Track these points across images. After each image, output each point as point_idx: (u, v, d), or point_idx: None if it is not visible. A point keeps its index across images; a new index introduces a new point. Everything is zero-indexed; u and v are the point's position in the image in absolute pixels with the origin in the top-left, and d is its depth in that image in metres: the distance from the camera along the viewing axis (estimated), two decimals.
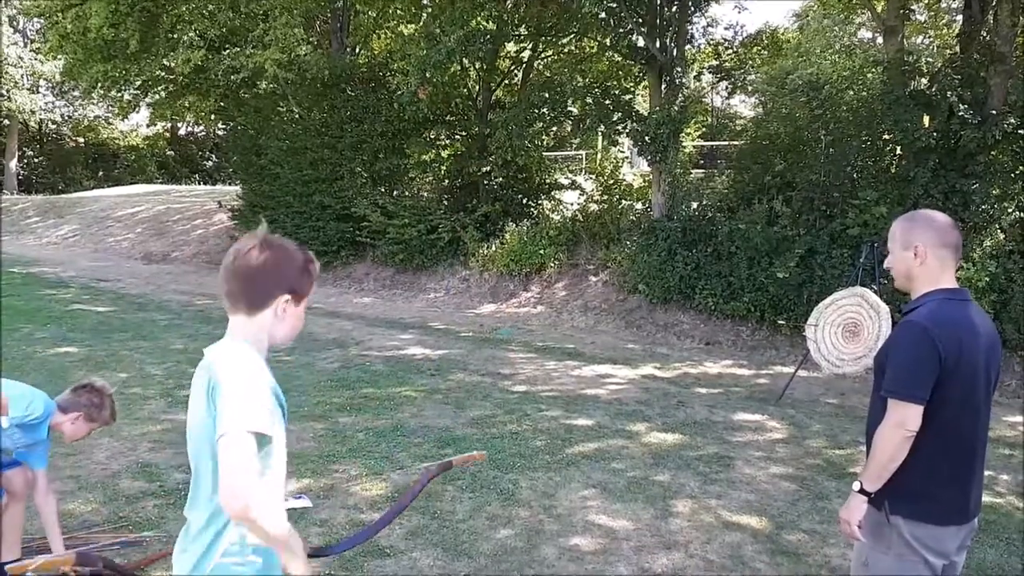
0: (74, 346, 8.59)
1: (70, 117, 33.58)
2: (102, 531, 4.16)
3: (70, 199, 24.61)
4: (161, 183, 30.13)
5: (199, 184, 29.58)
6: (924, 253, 2.41)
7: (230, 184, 24.93)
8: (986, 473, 4.80)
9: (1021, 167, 8.78)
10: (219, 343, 1.91)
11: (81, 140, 34.10)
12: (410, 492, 2.92)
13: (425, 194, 14.85)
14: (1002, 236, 8.25)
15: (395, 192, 14.71)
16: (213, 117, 23.47)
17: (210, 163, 34.35)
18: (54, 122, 33.34)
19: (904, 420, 2.29)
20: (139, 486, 4.80)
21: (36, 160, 33.51)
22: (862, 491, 2.37)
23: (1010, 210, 8.64)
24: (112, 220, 20.90)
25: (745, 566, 3.95)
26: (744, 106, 23.65)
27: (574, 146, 18.04)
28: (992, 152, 8.76)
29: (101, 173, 33.02)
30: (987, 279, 7.82)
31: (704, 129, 20.63)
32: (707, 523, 4.45)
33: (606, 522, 4.44)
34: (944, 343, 2.29)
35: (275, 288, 1.88)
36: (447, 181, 14.75)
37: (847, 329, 6.50)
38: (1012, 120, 8.47)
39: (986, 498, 4.76)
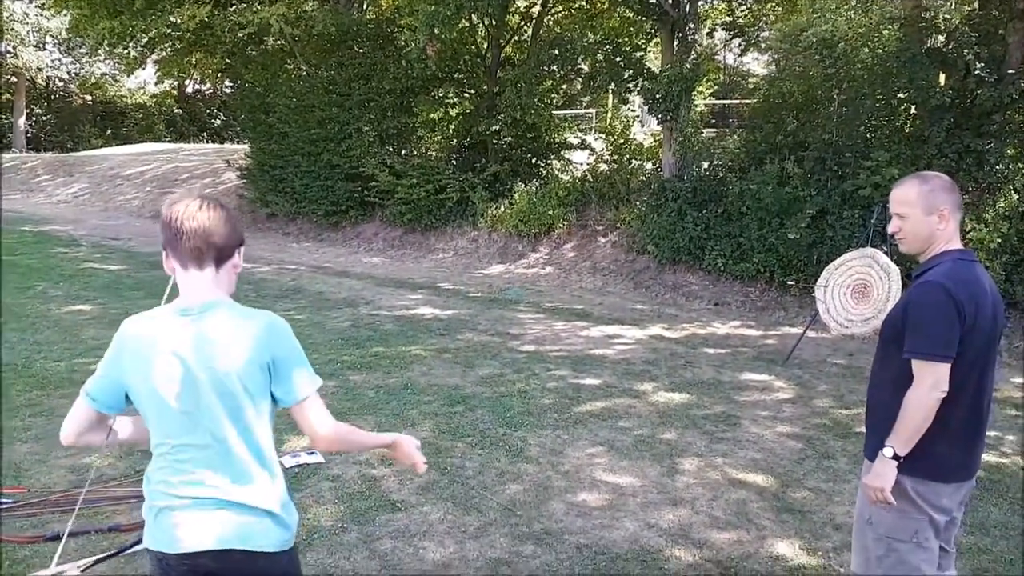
0: (87, 304, 8.68)
1: (77, 74, 33.39)
2: (119, 484, 4.26)
3: (79, 157, 24.59)
4: (169, 141, 30.03)
5: (207, 142, 29.48)
6: (948, 215, 2.42)
7: (238, 142, 24.84)
8: (992, 433, 4.87)
9: None
10: (211, 308, 1.92)
11: (88, 98, 33.94)
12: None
13: (433, 153, 14.76)
14: (1016, 197, 8.16)
15: (403, 151, 14.64)
16: (220, 75, 23.30)
17: (218, 121, 34.16)
18: (61, 79, 33.17)
19: (938, 381, 2.30)
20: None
21: (44, 118, 33.42)
22: (895, 456, 2.36)
23: None
24: (121, 178, 20.91)
25: (750, 523, 4.01)
26: (757, 64, 23.28)
27: (584, 104, 17.84)
28: (1008, 111, 8.62)
29: (109, 131, 32.90)
30: (999, 240, 7.76)
31: (716, 88, 20.36)
32: (713, 480, 4.51)
33: (613, 479, 4.50)
34: (964, 302, 2.31)
35: (235, 239, 2.00)
36: (455, 140, 14.65)
37: (856, 290, 6.49)
38: None
39: (991, 458, 4.82)
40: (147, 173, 20.84)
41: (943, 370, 2.30)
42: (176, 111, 34.32)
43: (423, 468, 2.21)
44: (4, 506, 3.93)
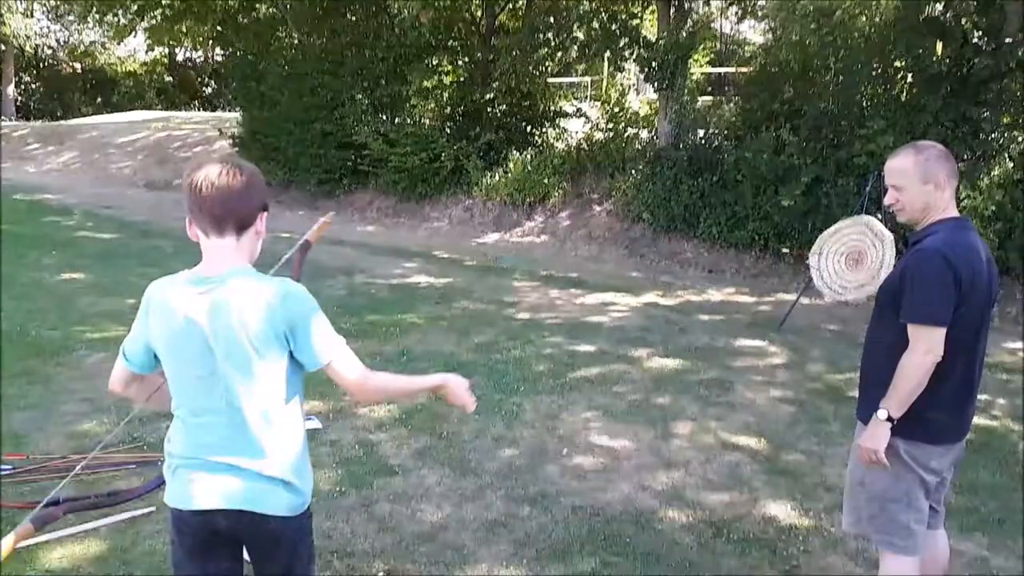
0: (81, 272, 8.66)
1: (66, 42, 32.91)
2: (117, 451, 4.28)
3: (70, 126, 24.32)
4: (160, 110, 29.67)
5: (199, 111, 29.16)
6: (944, 184, 2.44)
7: (230, 110, 24.59)
8: (983, 397, 4.93)
9: None
10: (231, 276, 1.92)
11: (78, 66, 33.47)
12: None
13: (427, 122, 14.62)
14: (1010, 165, 8.17)
15: (396, 120, 14.50)
16: (211, 42, 23.02)
17: (209, 89, 33.73)
18: (50, 47, 32.68)
19: (933, 346, 2.33)
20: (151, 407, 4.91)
21: (33, 86, 32.95)
22: (888, 419, 2.39)
23: (1020, 139, 8.53)
24: (113, 147, 20.70)
25: (743, 484, 4.07)
26: (754, 32, 23.07)
27: (579, 72, 17.70)
28: (1005, 80, 8.60)
29: (99, 99, 32.49)
30: (993, 208, 7.78)
31: (712, 56, 20.19)
32: (706, 444, 4.57)
33: (607, 442, 4.56)
34: (961, 268, 2.33)
35: (257, 205, 1.98)
36: (449, 109, 14.51)
37: (850, 257, 6.50)
38: None
39: (982, 421, 4.88)
40: (138, 142, 20.64)
41: (938, 335, 2.33)
42: (167, 79, 33.89)
43: (473, 407, 2.25)
44: (4, 472, 3.96)
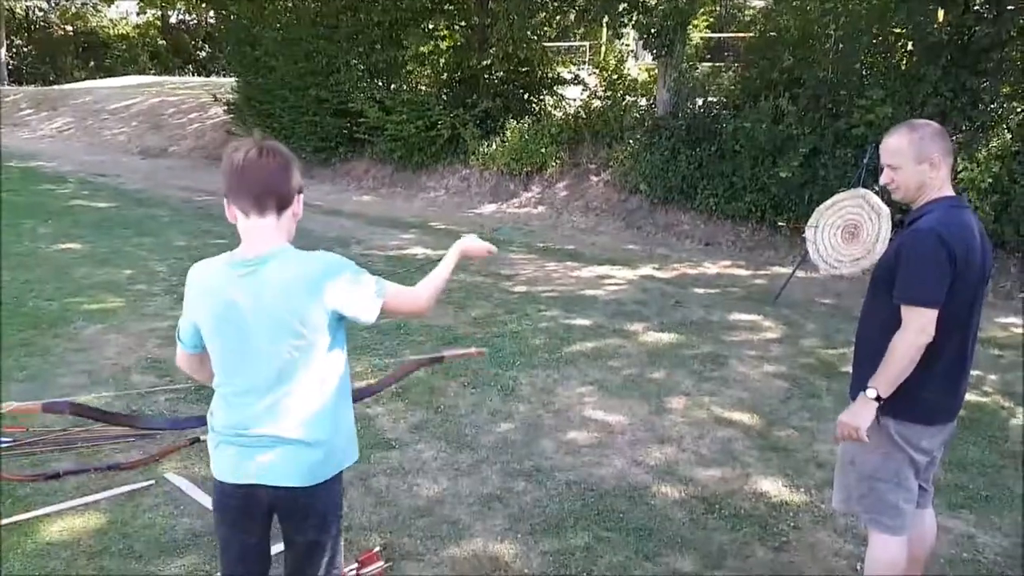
0: (77, 242, 8.64)
1: (57, 3, 32.43)
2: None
3: (63, 90, 24.08)
4: (154, 74, 29.35)
5: (193, 75, 28.85)
6: (939, 163, 2.43)
7: (224, 75, 24.33)
8: (975, 373, 4.96)
9: None
10: (273, 257, 1.97)
11: (70, 28, 33.01)
12: (394, 375, 3.01)
13: (424, 88, 14.49)
14: (1009, 136, 8.13)
15: (392, 86, 14.38)
16: (204, 5, 22.68)
17: (203, 53, 33.34)
18: (41, 9, 32.22)
19: (925, 326, 2.33)
20: (150, 380, 4.94)
21: (25, 49, 32.53)
22: (877, 398, 2.40)
23: (1019, 110, 8.49)
24: (107, 113, 20.53)
25: (735, 460, 4.12)
26: None
27: (578, 36, 17.49)
28: (1006, 48, 8.52)
29: (92, 63, 32.11)
30: (990, 180, 7.76)
31: (712, 20, 19.95)
32: (700, 419, 4.61)
33: (602, 417, 4.60)
34: (956, 248, 2.33)
35: (296, 185, 2.04)
36: (446, 75, 14.37)
37: (847, 231, 6.51)
38: None
39: (973, 397, 4.93)
40: (133, 107, 20.46)
41: (931, 316, 2.33)
42: (160, 42, 33.45)
43: (494, 250, 2.51)
44: (4, 445, 3.99)
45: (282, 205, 2.00)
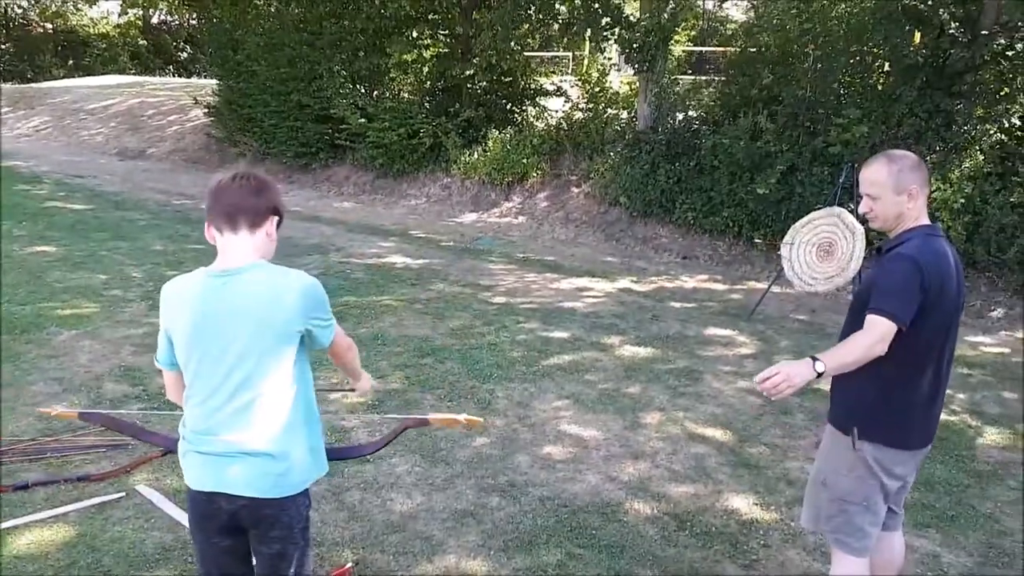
0: (52, 245, 8.56)
1: (37, 2, 32.07)
2: (88, 433, 4.28)
3: (40, 89, 23.80)
4: (134, 74, 29.11)
5: (173, 76, 28.65)
6: (917, 194, 2.49)
7: (205, 77, 24.16)
8: None
9: (1006, 88, 8.74)
10: (247, 270, 2.08)
11: (49, 26, 32.66)
12: (377, 443, 3.10)
13: (406, 95, 14.50)
14: (981, 158, 8.28)
15: (375, 93, 14.36)
16: (187, 6, 22.53)
17: (184, 55, 33.13)
18: (20, 7, 31.85)
19: (885, 336, 2.34)
20: (123, 389, 4.91)
21: (3, 46, 32.12)
22: (820, 375, 2.32)
23: (991, 132, 8.65)
24: (85, 112, 20.32)
25: (708, 477, 4.16)
26: (736, 9, 23.03)
27: (561, 47, 17.58)
28: (979, 72, 8.69)
29: (71, 61, 31.77)
30: (962, 200, 7.89)
31: (694, 33, 20.15)
32: (674, 435, 4.65)
33: (577, 432, 4.63)
34: (929, 275, 2.39)
35: (267, 206, 2.14)
36: (429, 83, 14.38)
37: (821, 248, 6.60)
38: (1002, 40, 8.39)
39: (941, 416, 4.99)
40: (111, 108, 20.26)
41: (891, 330, 2.35)
42: (141, 43, 33.17)
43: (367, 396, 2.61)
44: None
45: (253, 224, 2.11)
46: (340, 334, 2.29)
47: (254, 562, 2.27)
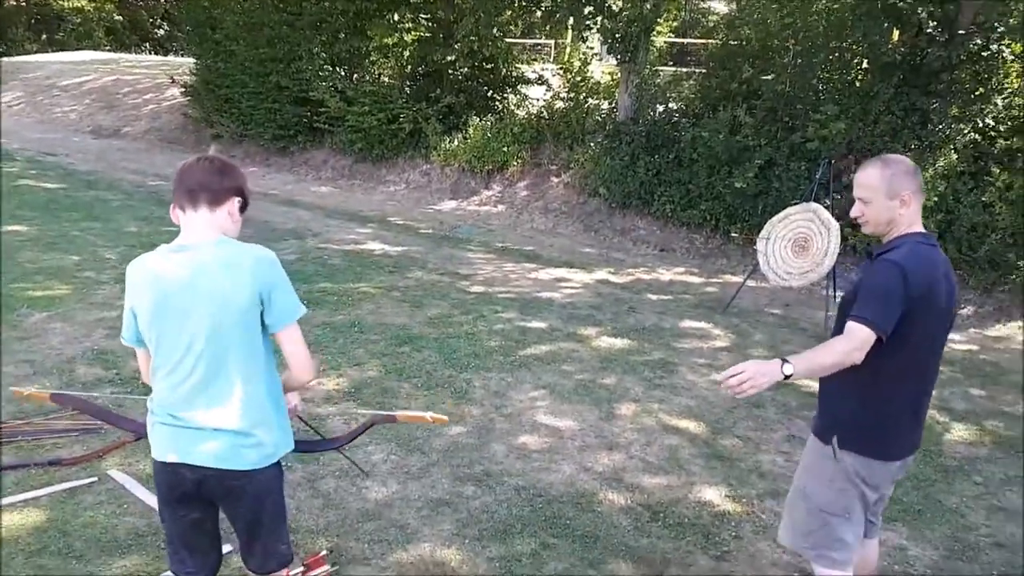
0: (23, 224, 8.42)
1: None
2: (59, 417, 4.23)
3: (12, 63, 23.30)
4: (109, 51, 28.59)
5: (150, 54, 28.19)
6: (909, 200, 2.45)
7: (182, 55, 23.78)
8: None
9: (981, 89, 8.85)
10: (207, 245, 2.12)
11: None
12: (344, 436, 3.10)
13: (386, 80, 14.37)
14: (955, 157, 8.40)
15: (355, 76, 14.23)
16: None
17: (161, 31, 32.60)
18: None
19: (863, 344, 2.31)
20: (95, 373, 4.86)
21: None
22: (788, 377, 2.32)
23: (965, 131, 8.77)
24: (58, 89, 19.94)
25: (681, 468, 4.21)
26: (719, 1, 23.06)
27: (543, 34, 17.50)
28: (956, 71, 8.79)
29: (44, 36, 31.13)
30: (935, 199, 8.01)
31: (676, 24, 20.14)
32: (648, 426, 4.69)
33: (553, 422, 4.66)
34: (916, 284, 2.34)
35: (228, 187, 2.18)
36: (410, 68, 14.25)
37: (797, 243, 6.68)
38: (978, 41, 8.49)
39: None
40: (85, 85, 19.90)
41: (871, 338, 2.32)
42: (117, 18, 32.57)
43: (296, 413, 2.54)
44: None
45: (214, 201, 2.15)
46: (294, 342, 2.20)
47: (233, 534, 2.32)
